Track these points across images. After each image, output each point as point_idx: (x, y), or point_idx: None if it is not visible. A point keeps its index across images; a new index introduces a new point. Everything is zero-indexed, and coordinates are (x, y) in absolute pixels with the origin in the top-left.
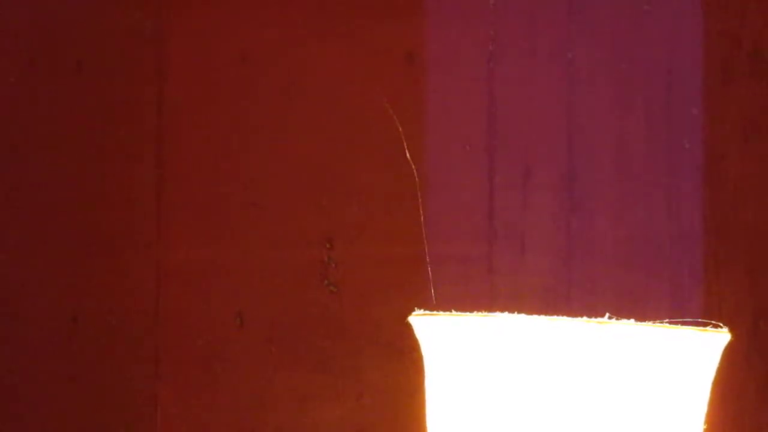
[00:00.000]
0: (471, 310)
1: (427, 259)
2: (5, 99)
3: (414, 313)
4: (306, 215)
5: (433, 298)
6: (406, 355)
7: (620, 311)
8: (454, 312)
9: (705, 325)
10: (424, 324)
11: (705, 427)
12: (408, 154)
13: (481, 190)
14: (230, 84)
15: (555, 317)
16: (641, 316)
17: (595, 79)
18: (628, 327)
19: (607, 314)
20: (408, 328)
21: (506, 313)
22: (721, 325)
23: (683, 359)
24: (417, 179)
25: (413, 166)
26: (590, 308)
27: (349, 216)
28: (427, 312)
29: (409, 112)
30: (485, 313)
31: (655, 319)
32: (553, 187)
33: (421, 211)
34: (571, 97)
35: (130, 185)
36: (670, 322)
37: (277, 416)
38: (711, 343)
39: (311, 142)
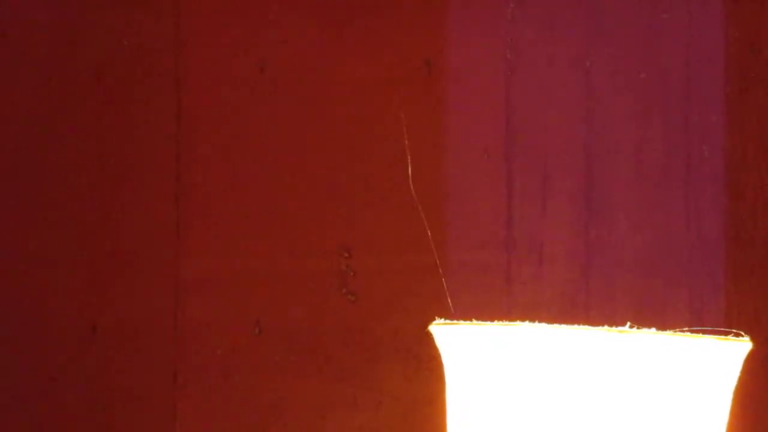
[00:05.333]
0: (490, 319)
1: (440, 270)
2: (25, 109)
3: (434, 322)
4: (324, 224)
5: (451, 307)
6: (425, 364)
7: (640, 320)
8: (474, 321)
9: (726, 333)
10: (445, 333)
11: None
12: (410, 169)
13: (499, 199)
14: (249, 94)
15: (575, 326)
16: (661, 324)
17: (614, 87)
18: (649, 336)
19: (628, 323)
20: (427, 336)
21: (526, 322)
22: (742, 333)
23: (704, 368)
24: (413, 192)
25: (410, 179)
26: (610, 317)
27: (368, 225)
28: (447, 321)
29: (427, 121)
30: (505, 322)
31: (675, 328)
32: (572, 196)
33: (425, 220)
34: (589, 106)
35: (149, 195)
36: (691, 331)
37: (296, 425)
38: (732, 351)
39: (329, 151)
